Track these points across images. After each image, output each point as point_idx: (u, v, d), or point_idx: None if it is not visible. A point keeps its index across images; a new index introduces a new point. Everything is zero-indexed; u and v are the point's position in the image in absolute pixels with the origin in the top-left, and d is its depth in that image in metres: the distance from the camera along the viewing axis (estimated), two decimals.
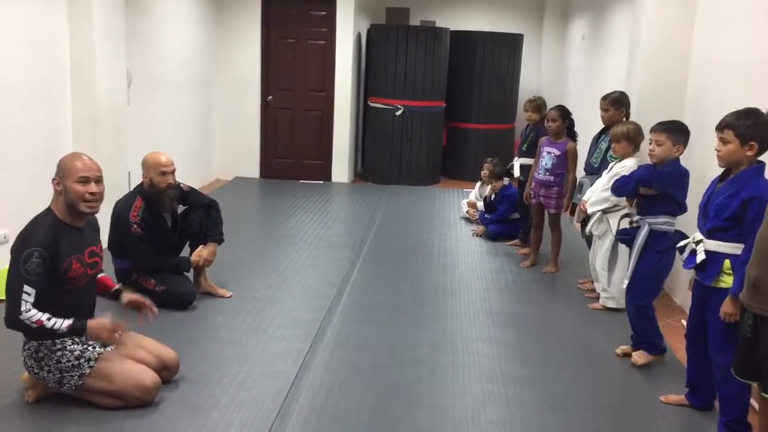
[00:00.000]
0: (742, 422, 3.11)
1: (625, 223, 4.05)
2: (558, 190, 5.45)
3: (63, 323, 3.03)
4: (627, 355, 4.03)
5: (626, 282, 3.90)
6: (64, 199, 3.13)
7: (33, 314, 2.97)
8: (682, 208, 3.76)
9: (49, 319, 3.00)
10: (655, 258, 3.76)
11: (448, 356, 3.98)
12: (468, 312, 4.69)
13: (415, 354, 3.99)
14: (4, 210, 4.62)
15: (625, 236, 3.94)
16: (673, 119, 3.81)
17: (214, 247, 4.67)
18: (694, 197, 3.57)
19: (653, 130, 3.69)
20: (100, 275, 3.44)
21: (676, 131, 3.64)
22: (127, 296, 3.49)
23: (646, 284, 3.83)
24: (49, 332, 3.03)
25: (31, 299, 2.97)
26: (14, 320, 2.99)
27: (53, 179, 3.14)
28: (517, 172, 6.09)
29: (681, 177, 3.69)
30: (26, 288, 2.96)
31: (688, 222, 3.78)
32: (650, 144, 3.68)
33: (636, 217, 3.86)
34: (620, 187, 3.89)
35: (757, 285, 2.62)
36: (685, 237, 3.72)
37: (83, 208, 3.13)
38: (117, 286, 3.56)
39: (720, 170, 3.18)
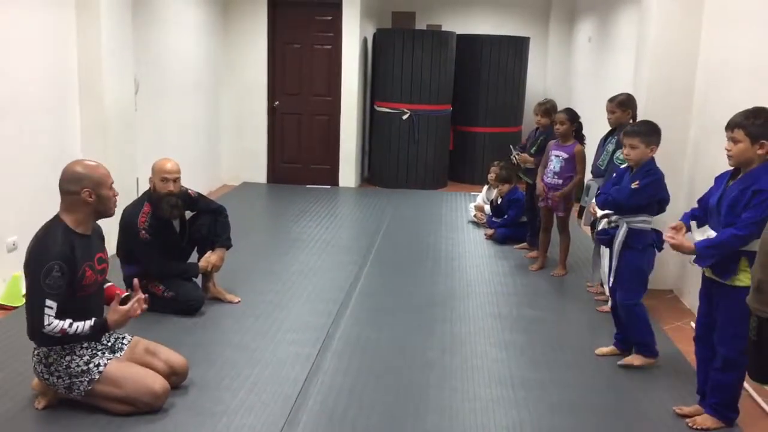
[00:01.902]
0: (729, 406, 3.24)
1: (604, 224, 4.04)
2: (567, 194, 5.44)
3: (84, 325, 3.07)
4: (607, 355, 4.06)
5: (611, 281, 3.95)
6: (95, 208, 3.16)
7: (55, 325, 3.00)
8: (662, 209, 3.89)
9: (70, 325, 3.04)
10: (636, 256, 3.82)
11: (457, 360, 3.97)
12: (476, 315, 4.68)
13: (424, 358, 3.98)
14: (14, 217, 4.64)
15: (605, 236, 3.98)
16: (644, 120, 3.92)
17: (222, 252, 4.67)
18: (694, 196, 3.57)
19: (626, 134, 3.84)
20: (106, 285, 3.44)
21: (648, 133, 3.77)
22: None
23: (632, 283, 3.86)
24: (74, 337, 3.06)
25: (53, 312, 3.00)
26: (38, 334, 3.03)
27: (84, 191, 3.10)
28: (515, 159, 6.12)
29: (661, 182, 3.81)
30: (48, 302, 2.98)
31: (676, 217, 3.79)
32: (625, 149, 3.81)
33: (614, 217, 3.89)
34: (606, 205, 3.94)
35: (761, 288, 2.61)
36: (661, 234, 3.76)
37: (114, 211, 3.28)
38: (126, 293, 3.47)
39: (723, 169, 3.21)
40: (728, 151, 3.10)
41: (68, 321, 3.03)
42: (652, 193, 3.78)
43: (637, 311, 3.86)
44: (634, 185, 3.75)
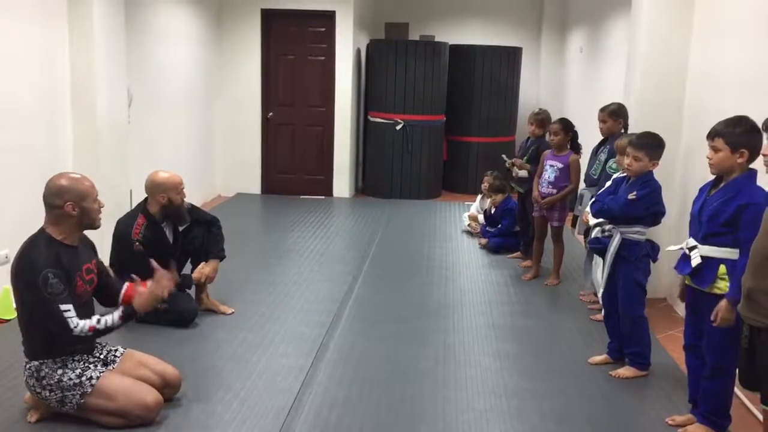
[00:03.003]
0: (720, 414, 3.23)
1: (596, 232, 4.04)
2: (561, 203, 5.46)
3: (113, 316, 3.11)
4: (600, 364, 4.06)
5: (601, 290, 3.95)
6: (79, 221, 3.17)
7: (83, 325, 3.02)
8: (657, 221, 3.87)
9: (98, 321, 3.06)
10: (630, 267, 3.81)
11: (450, 370, 3.97)
12: (470, 325, 4.68)
13: (418, 368, 3.98)
14: (5, 230, 4.63)
15: (597, 245, 3.97)
16: (650, 132, 3.88)
17: (215, 263, 4.67)
18: (686, 206, 3.59)
19: (632, 145, 3.78)
20: (125, 286, 3.46)
21: (654, 147, 3.75)
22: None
23: (632, 295, 3.86)
24: (106, 330, 3.08)
25: (73, 313, 3.01)
26: (70, 340, 3.03)
27: (67, 204, 3.11)
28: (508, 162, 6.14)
29: (658, 194, 3.80)
30: (63, 306, 3.00)
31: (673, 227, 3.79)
32: (627, 158, 3.78)
33: (608, 226, 3.89)
34: (600, 214, 3.93)
35: (751, 296, 2.63)
36: (656, 245, 3.76)
37: (99, 223, 3.27)
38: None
39: (710, 178, 3.23)
40: (709, 159, 3.12)
41: (95, 317, 3.06)
42: (648, 204, 3.76)
43: (641, 323, 3.88)
44: (631, 196, 3.73)
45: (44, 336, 3.09)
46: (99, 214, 3.25)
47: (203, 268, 4.61)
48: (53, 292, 2.98)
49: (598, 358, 4.10)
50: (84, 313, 3.15)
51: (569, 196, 5.45)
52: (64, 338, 3.04)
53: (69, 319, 2.99)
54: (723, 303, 2.97)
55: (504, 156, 6.35)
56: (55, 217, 3.15)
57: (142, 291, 3.22)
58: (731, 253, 3.02)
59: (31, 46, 4.91)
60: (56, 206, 3.13)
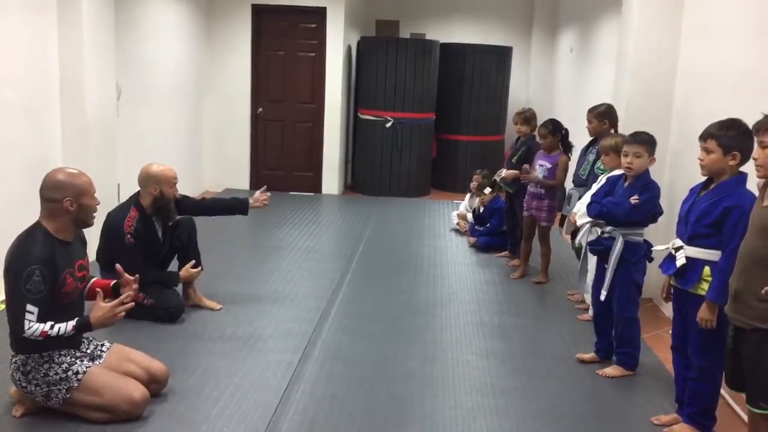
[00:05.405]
0: (706, 415, 3.25)
1: (595, 234, 4.05)
2: (549, 203, 5.48)
3: (67, 326, 3.03)
4: (587, 362, 4.08)
5: (603, 293, 3.93)
6: (75, 217, 3.13)
7: (36, 328, 2.96)
8: (654, 220, 3.89)
9: (52, 327, 3.00)
10: (630, 269, 3.82)
11: (438, 368, 3.97)
12: (458, 324, 4.69)
13: (406, 366, 3.98)
14: None
15: (598, 246, 3.97)
16: (641, 130, 3.87)
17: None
18: (674, 207, 3.61)
19: (629, 142, 3.76)
20: (91, 280, 3.41)
21: (652, 143, 3.76)
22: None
23: (629, 296, 3.87)
24: (57, 339, 3.02)
25: (34, 317, 2.97)
26: (20, 339, 3.00)
27: (65, 199, 3.07)
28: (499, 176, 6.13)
29: (658, 197, 3.81)
30: (29, 307, 2.95)
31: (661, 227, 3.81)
32: (626, 157, 3.74)
33: (608, 228, 3.89)
34: (600, 217, 3.92)
35: (738, 297, 2.65)
36: (651, 245, 3.78)
37: (93, 220, 3.25)
38: (114, 281, 3.42)
39: (701, 179, 3.24)
40: (701, 161, 3.12)
41: (49, 323, 3.00)
42: (650, 208, 3.77)
43: (633, 325, 3.89)
44: (633, 200, 3.72)
45: (10, 328, 3.08)
46: (95, 211, 3.22)
47: (190, 269, 4.59)
48: (30, 289, 2.95)
49: (585, 356, 4.12)
50: (70, 313, 3.12)
51: (555, 193, 5.48)
52: (17, 335, 3.01)
53: (26, 320, 2.94)
54: (703, 305, 3.03)
55: (495, 179, 6.32)
56: (50, 212, 3.11)
57: (102, 306, 3.13)
58: (716, 255, 3.04)
59: (20, 39, 4.86)
60: (53, 200, 3.09)
